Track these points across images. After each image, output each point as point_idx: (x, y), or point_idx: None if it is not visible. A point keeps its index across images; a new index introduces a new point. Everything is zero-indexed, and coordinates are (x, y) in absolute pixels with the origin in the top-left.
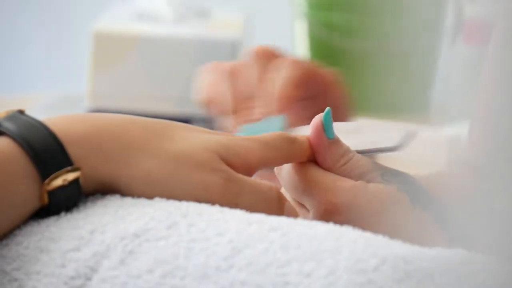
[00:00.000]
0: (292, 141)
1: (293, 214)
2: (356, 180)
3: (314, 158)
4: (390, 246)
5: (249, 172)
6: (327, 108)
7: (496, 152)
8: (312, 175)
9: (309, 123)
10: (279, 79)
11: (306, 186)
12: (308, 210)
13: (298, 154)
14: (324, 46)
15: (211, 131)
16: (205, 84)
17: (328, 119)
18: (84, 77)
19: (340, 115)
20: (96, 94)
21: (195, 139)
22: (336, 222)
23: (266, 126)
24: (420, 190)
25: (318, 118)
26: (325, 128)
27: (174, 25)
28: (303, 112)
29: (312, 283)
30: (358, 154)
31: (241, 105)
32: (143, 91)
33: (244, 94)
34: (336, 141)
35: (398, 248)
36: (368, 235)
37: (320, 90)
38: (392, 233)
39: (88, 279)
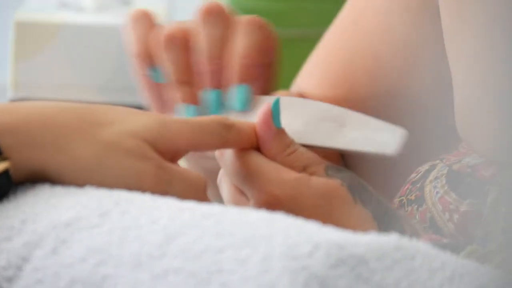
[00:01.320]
0: (229, 127)
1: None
2: (300, 172)
3: (257, 145)
4: (323, 232)
5: (176, 155)
6: (277, 97)
7: None
8: (255, 164)
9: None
10: (242, 44)
11: (247, 175)
12: (248, 199)
13: (234, 141)
14: None
15: (140, 111)
16: (137, 38)
17: (277, 108)
18: (7, 67)
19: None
20: (19, 84)
21: (124, 124)
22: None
23: (232, 95)
24: (362, 187)
25: (267, 106)
26: (273, 116)
27: (96, 13)
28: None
29: (247, 270)
30: (302, 146)
31: (185, 76)
32: (67, 80)
33: (189, 64)
34: (282, 131)
35: (332, 234)
36: (301, 221)
37: (274, 54)
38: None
39: (20, 269)
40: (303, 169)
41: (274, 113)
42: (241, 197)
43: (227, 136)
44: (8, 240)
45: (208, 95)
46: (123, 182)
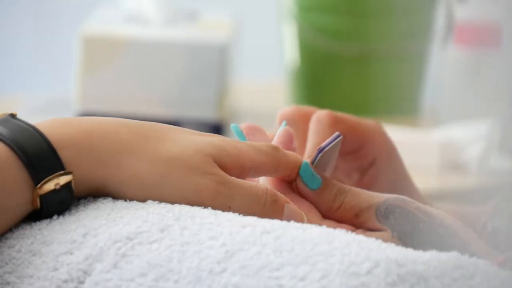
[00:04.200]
0: (276, 148)
1: (295, 214)
2: (353, 220)
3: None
4: (383, 249)
5: (242, 173)
6: (304, 162)
7: None
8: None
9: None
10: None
11: None
12: None
13: (284, 162)
14: (314, 49)
15: (202, 133)
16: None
17: (305, 173)
18: (71, 80)
19: (384, 166)
20: (85, 97)
21: (187, 141)
22: None
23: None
24: (413, 226)
25: (298, 176)
26: (305, 182)
27: (163, 28)
28: (346, 166)
29: (305, 286)
30: (351, 192)
31: None
32: (132, 94)
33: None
34: (323, 189)
35: (391, 251)
36: (361, 238)
37: (359, 144)
38: None
39: (81, 282)
40: (356, 217)
41: (305, 179)
42: None
43: (278, 156)
44: (69, 253)
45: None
46: (183, 198)
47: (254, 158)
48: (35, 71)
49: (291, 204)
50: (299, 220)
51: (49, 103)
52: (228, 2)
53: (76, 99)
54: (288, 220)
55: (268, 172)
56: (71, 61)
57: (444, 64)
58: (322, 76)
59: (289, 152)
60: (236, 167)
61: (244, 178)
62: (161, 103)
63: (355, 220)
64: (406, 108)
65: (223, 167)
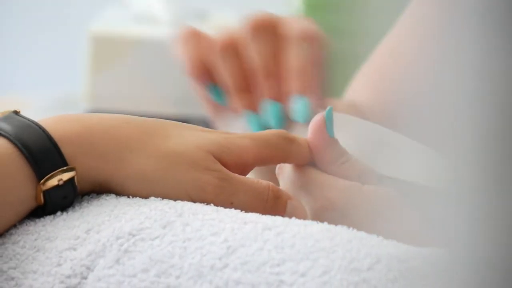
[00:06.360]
0: (291, 140)
1: (298, 210)
2: (354, 180)
3: (312, 159)
4: (384, 245)
5: (244, 170)
6: (329, 106)
7: None
8: (311, 174)
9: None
10: (297, 58)
11: (304, 184)
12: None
13: (296, 154)
14: None
15: (205, 129)
16: (191, 56)
17: (330, 117)
18: (79, 79)
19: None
20: (94, 95)
21: (189, 137)
22: (331, 218)
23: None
24: (417, 191)
25: (319, 116)
26: (326, 125)
27: (172, 27)
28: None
29: (306, 282)
30: (353, 157)
31: (244, 84)
32: (142, 92)
33: (246, 72)
34: (335, 141)
35: (392, 247)
36: (362, 234)
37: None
38: (384, 234)
39: (84, 278)
40: (357, 178)
41: (327, 122)
42: None
43: (289, 149)
44: (73, 249)
45: (269, 107)
46: (185, 194)
47: (258, 154)
48: (42, 70)
49: (294, 200)
50: (302, 216)
51: (56, 102)
52: (237, 2)
53: (84, 98)
54: (291, 216)
55: (276, 163)
56: (79, 60)
57: None
58: None
59: (301, 140)
60: (237, 164)
61: (246, 173)
62: (170, 102)
63: (354, 179)
64: None
65: (224, 164)
